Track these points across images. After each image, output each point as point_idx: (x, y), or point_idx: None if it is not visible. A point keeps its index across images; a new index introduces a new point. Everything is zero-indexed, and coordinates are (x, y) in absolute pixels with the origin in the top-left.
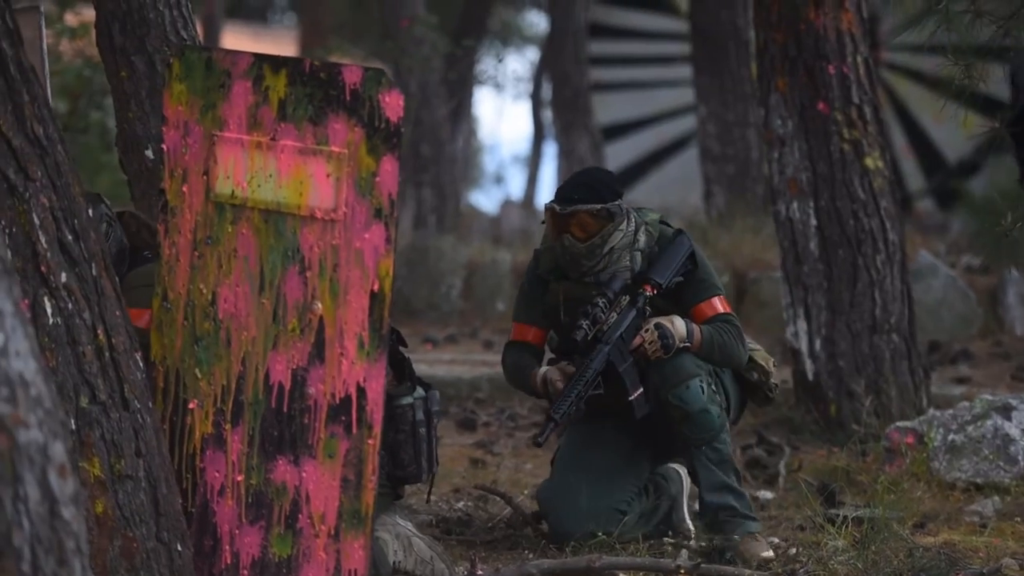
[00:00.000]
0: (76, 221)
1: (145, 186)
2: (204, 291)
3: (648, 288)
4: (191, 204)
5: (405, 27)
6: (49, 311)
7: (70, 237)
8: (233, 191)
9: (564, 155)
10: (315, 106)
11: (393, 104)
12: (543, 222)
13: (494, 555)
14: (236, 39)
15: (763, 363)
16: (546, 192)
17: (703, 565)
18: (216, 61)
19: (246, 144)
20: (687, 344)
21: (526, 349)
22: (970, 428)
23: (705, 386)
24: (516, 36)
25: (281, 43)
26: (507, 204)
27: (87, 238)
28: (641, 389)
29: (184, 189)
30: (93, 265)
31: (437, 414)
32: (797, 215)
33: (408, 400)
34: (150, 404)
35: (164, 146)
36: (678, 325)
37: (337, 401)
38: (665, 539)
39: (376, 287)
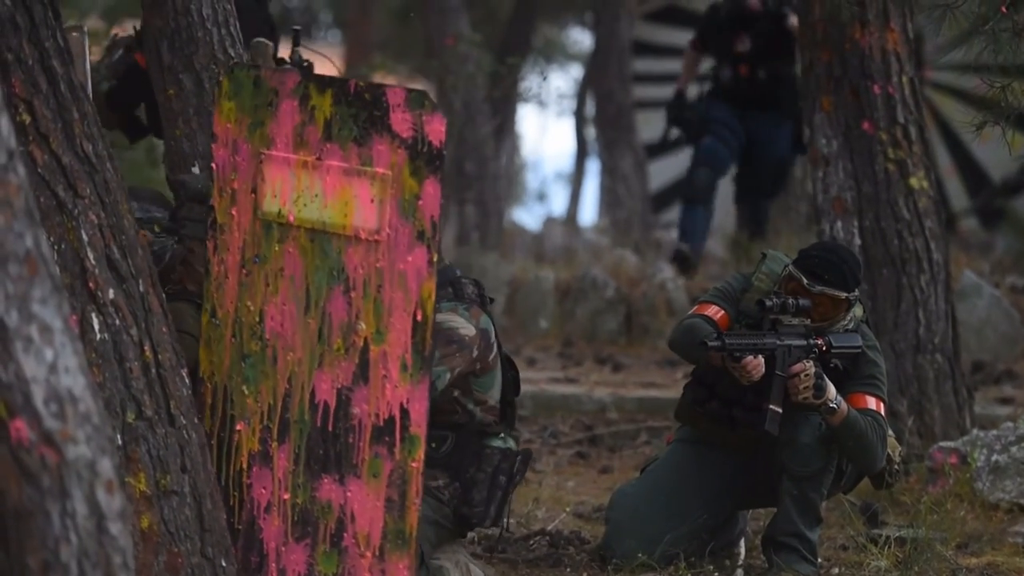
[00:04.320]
0: (124, 238)
1: None
2: (252, 309)
3: (820, 340)
4: (239, 222)
5: (450, 45)
6: (97, 327)
7: (118, 254)
8: (280, 210)
9: (607, 172)
10: (360, 127)
11: (435, 127)
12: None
13: (536, 573)
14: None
15: (890, 451)
16: (589, 209)
17: None
18: (264, 79)
19: (292, 163)
20: (833, 407)
21: (706, 320)
22: (1014, 448)
23: (822, 427)
24: (560, 54)
25: (326, 61)
26: (550, 221)
27: (135, 255)
28: (781, 410)
29: (233, 207)
30: (140, 282)
31: (521, 474)
32: (841, 234)
33: (499, 444)
34: (196, 420)
35: (213, 164)
36: (831, 387)
37: (381, 422)
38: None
39: (418, 310)
